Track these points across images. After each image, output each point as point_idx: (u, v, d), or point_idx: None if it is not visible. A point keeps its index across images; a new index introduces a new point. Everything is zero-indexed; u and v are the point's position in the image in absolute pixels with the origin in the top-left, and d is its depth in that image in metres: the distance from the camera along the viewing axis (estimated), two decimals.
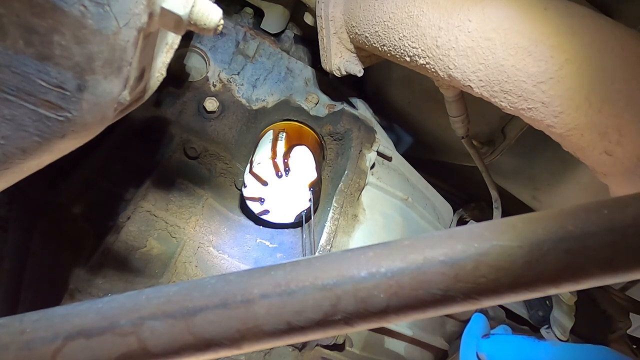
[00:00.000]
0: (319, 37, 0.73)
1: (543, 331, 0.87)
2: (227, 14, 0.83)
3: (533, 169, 0.84)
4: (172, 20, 0.35)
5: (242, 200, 0.74)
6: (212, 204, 0.73)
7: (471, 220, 1.01)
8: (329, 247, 0.68)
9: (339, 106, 0.81)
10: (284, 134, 0.75)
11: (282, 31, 0.88)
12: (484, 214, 1.02)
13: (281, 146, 0.71)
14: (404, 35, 0.57)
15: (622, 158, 0.44)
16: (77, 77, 0.32)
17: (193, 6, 0.35)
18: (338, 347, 0.73)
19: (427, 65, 0.56)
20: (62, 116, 0.33)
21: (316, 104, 0.80)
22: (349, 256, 0.27)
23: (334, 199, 0.71)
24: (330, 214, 0.70)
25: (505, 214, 0.82)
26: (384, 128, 0.85)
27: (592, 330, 0.92)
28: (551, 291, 0.25)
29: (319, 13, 0.70)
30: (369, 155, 0.78)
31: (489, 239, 0.25)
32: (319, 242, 0.69)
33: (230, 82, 0.77)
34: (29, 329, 0.27)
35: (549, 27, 0.46)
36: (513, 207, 0.86)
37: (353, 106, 0.84)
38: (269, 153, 0.69)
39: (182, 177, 0.71)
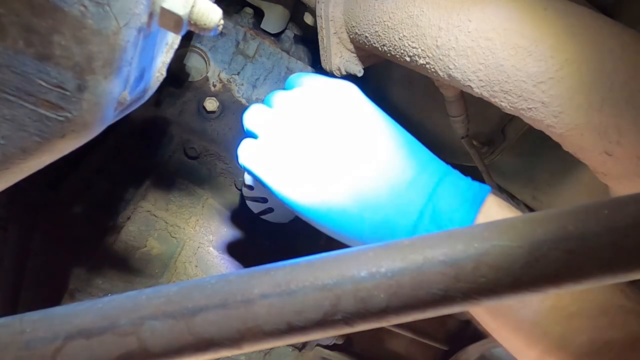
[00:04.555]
0: (319, 37, 0.73)
1: None
2: (227, 14, 0.83)
3: (533, 169, 0.84)
4: (172, 20, 0.35)
5: (242, 200, 0.74)
6: (212, 204, 0.73)
7: None
8: None
9: None
10: None
11: (282, 31, 0.88)
12: None
13: None
14: (404, 35, 0.57)
15: (622, 158, 0.44)
16: (77, 77, 0.32)
17: (193, 6, 0.35)
18: (338, 347, 0.73)
19: (427, 65, 0.56)
20: (62, 116, 0.33)
21: None
22: (349, 256, 0.27)
23: None
24: None
25: None
26: None
27: None
28: (551, 291, 0.25)
29: (319, 13, 0.70)
30: None
31: (489, 239, 0.25)
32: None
33: (230, 82, 0.77)
34: (29, 329, 0.27)
35: (549, 27, 0.46)
36: None
37: None
38: None
39: (182, 177, 0.71)
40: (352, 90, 0.50)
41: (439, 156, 0.53)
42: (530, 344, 0.40)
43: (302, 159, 0.45)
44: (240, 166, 0.49)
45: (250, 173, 0.48)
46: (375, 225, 0.43)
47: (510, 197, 0.89)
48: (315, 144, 0.45)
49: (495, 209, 0.43)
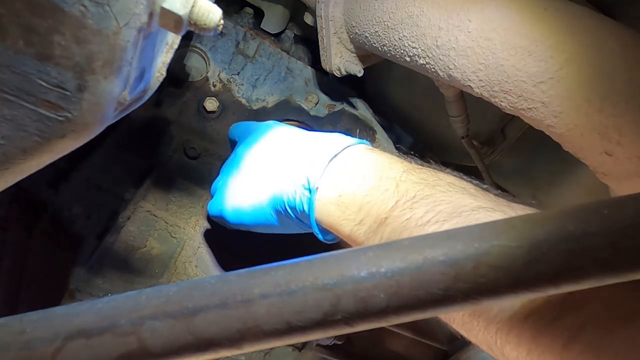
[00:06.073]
0: (319, 37, 0.73)
1: None
2: (227, 14, 0.82)
3: (533, 169, 0.84)
4: (172, 20, 0.35)
5: None
6: None
7: None
8: None
9: (339, 106, 0.81)
10: None
11: (282, 31, 0.87)
12: None
13: None
14: (404, 35, 0.57)
15: (622, 158, 0.44)
16: (77, 77, 0.32)
17: (193, 6, 0.35)
18: (338, 347, 0.73)
19: (427, 66, 0.56)
20: (62, 116, 0.33)
21: (316, 104, 0.80)
22: (349, 256, 0.27)
23: None
24: None
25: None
26: (384, 128, 0.85)
27: None
28: (551, 291, 0.25)
29: (319, 13, 0.70)
30: None
31: (489, 239, 0.25)
32: None
33: (230, 82, 0.77)
34: (29, 329, 0.27)
35: (549, 27, 0.46)
36: None
37: (353, 106, 0.84)
38: None
39: (182, 177, 0.71)
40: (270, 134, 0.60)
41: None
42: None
43: (237, 187, 0.59)
44: (210, 215, 0.63)
45: (215, 219, 0.62)
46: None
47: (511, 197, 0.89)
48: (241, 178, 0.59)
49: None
